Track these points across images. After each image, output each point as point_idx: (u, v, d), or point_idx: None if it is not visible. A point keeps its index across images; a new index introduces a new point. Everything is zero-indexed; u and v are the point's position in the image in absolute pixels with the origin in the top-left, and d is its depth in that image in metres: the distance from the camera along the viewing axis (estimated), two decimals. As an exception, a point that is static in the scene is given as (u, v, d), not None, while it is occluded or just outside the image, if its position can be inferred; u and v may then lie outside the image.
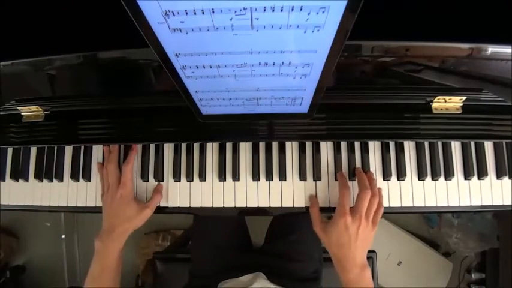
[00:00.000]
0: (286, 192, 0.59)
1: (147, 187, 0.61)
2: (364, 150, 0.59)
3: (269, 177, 0.59)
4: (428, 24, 0.42)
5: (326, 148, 0.59)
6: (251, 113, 0.49)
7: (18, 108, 0.61)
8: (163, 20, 0.27)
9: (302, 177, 0.58)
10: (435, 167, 0.57)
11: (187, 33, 0.28)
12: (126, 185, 0.57)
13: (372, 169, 0.58)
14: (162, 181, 0.61)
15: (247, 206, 0.59)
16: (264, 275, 0.62)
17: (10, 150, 0.66)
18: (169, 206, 0.60)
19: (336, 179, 0.58)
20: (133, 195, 0.58)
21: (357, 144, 0.59)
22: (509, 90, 0.50)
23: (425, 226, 1.37)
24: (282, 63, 0.34)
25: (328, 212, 0.57)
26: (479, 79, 0.48)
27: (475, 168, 0.58)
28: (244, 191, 0.59)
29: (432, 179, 0.58)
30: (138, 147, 0.61)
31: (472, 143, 0.58)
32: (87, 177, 0.62)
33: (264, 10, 0.25)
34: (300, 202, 0.58)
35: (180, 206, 0.60)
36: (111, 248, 0.54)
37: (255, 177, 0.59)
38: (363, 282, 0.51)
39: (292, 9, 0.25)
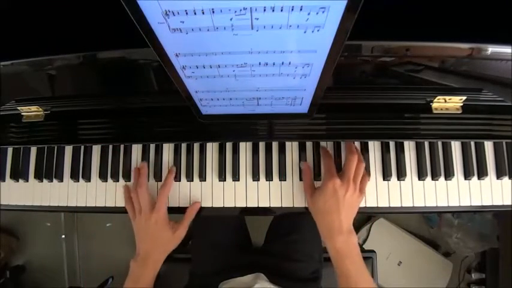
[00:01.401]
0: (286, 192, 0.59)
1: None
2: (364, 150, 0.59)
3: (269, 177, 0.59)
4: (428, 24, 0.42)
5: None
6: (251, 113, 0.49)
7: (18, 108, 0.61)
8: (163, 20, 0.27)
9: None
10: (435, 167, 0.57)
11: (187, 33, 0.28)
12: (161, 209, 0.56)
13: (372, 169, 0.58)
14: (161, 181, 0.61)
15: (247, 206, 0.59)
16: (265, 276, 0.62)
17: (10, 150, 0.66)
18: (169, 206, 0.60)
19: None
20: (167, 219, 0.57)
21: (357, 144, 0.59)
22: (509, 90, 0.50)
23: (425, 226, 1.37)
24: (282, 63, 0.34)
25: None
26: (479, 79, 0.48)
27: (475, 168, 0.58)
28: (244, 191, 0.59)
29: (432, 179, 0.58)
30: (174, 170, 0.60)
31: (472, 143, 0.58)
32: (87, 177, 0.62)
33: (264, 10, 0.25)
34: (300, 202, 0.58)
35: (180, 206, 0.60)
36: (147, 273, 0.55)
37: (255, 177, 0.59)
38: (350, 248, 0.50)
39: (292, 9, 0.25)
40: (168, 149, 0.62)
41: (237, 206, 0.59)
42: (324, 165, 0.55)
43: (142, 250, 0.55)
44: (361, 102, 0.56)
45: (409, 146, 0.59)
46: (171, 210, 0.60)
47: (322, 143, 0.59)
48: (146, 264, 0.54)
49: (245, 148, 0.61)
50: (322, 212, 0.52)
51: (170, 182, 0.58)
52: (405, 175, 0.58)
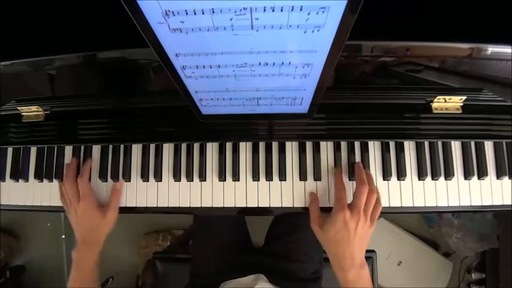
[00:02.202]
0: (286, 192, 0.59)
1: (147, 187, 0.61)
2: (364, 150, 0.59)
3: (269, 177, 0.59)
4: (428, 24, 0.42)
5: (326, 148, 0.59)
6: (251, 113, 0.49)
7: (18, 108, 0.61)
8: (163, 20, 0.27)
9: (302, 177, 0.58)
10: (435, 167, 0.57)
11: (187, 33, 0.28)
12: (85, 198, 0.57)
13: (372, 169, 0.58)
14: (161, 181, 0.61)
15: (247, 206, 0.59)
16: (265, 277, 0.62)
17: (10, 150, 0.66)
18: (169, 206, 0.60)
19: (336, 179, 0.58)
20: (95, 204, 0.58)
21: (357, 144, 0.59)
22: (509, 90, 0.50)
23: (425, 226, 1.37)
24: (282, 63, 0.34)
25: (328, 212, 0.57)
26: (479, 79, 0.48)
27: (475, 168, 0.58)
28: (244, 191, 0.59)
29: (432, 179, 0.58)
30: (93, 159, 0.62)
31: (472, 143, 0.58)
32: (87, 178, 0.62)
33: (264, 10, 0.25)
34: (300, 202, 0.58)
35: (180, 206, 0.60)
36: (89, 257, 0.57)
37: (255, 177, 0.59)
38: (362, 281, 0.50)
39: (292, 9, 0.25)
40: (168, 149, 0.62)
41: (237, 206, 0.59)
42: (336, 195, 0.54)
43: (79, 238, 0.58)
44: (361, 102, 0.56)
45: (409, 146, 0.59)
46: (171, 211, 0.61)
47: (322, 143, 0.59)
48: (84, 249, 0.57)
49: (245, 148, 0.61)
50: (334, 243, 0.51)
51: (87, 170, 0.60)
52: (405, 175, 0.58)
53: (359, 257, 0.51)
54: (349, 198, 0.58)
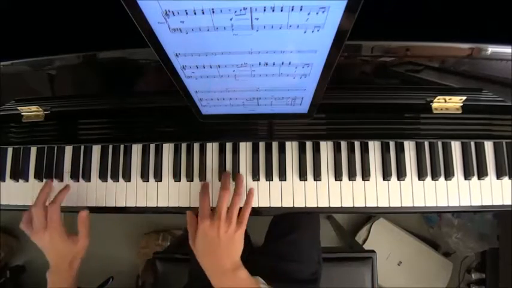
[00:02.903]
0: (286, 192, 0.59)
1: (147, 187, 0.61)
2: (364, 150, 0.59)
3: (269, 177, 0.59)
4: (428, 24, 0.42)
5: (326, 148, 0.59)
6: (251, 113, 0.49)
7: (18, 108, 0.61)
8: (163, 20, 0.27)
9: (302, 177, 0.58)
10: (435, 167, 0.57)
11: (187, 33, 0.28)
12: (53, 227, 0.55)
13: (371, 169, 0.58)
14: (161, 181, 0.61)
15: (247, 206, 0.59)
16: (263, 280, 0.62)
17: (10, 150, 0.66)
18: (169, 206, 0.60)
19: (336, 179, 0.58)
20: (64, 233, 0.56)
21: (357, 144, 0.59)
22: (509, 90, 0.50)
23: (425, 226, 1.37)
24: (282, 63, 0.34)
25: (328, 212, 0.57)
26: (479, 79, 0.48)
27: (475, 168, 0.58)
28: (244, 191, 0.59)
29: (432, 179, 0.58)
30: (69, 188, 0.61)
31: (472, 143, 0.58)
32: (87, 177, 0.62)
33: (264, 10, 0.25)
34: (300, 202, 0.58)
35: (180, 206, 0.60)
36: (63, 283, 0.56)
37: (255, 177, 0.59)
38: (239, 285, 0.49)
39: (292, 9, 0.25)
40: (168, 149, 0.62)
41: (237, 206, 0.59)
42: (199, 205, 0.54)
43: (51, 263, 0.57)
44: (361, 102, 0.56)
45: (409, 146, 0.59)
46: (171, 211, 0.61)
47: (322, 143, 0.59)
48: (58, 274, 0.56)
49: (245, 148, 0.61)
50: (201, 256, 0.51)
51: (61, 198, 0.58)
52: (405, 175, 0.58)
53: (228, 262, 0.50)
54: (348, 198, 0.58)
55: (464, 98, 0.54)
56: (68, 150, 0.64)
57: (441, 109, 0.56)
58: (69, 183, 0.62)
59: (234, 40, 0.29)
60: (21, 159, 0.65)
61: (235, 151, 0.60)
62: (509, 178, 0.57)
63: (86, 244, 0.59)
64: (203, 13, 0.26)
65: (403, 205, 0.57)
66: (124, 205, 0.61)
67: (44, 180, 0.63)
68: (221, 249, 0.49)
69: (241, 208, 0.55)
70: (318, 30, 0.28)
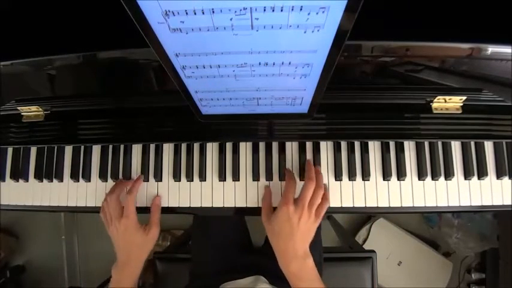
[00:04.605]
0: (286, 192, 0.59)
1: (147, 187, 0.61)
2: (364, 150, 0.59)
3: (269, 177, 0.59)
4: (428, 24, 0.42)
5: (326, 148, 0.59)
6: (251, 113, 0.49)
7: (18, 108, 0.61)
8: (163, 20, 0.27)
9: (302, 177, 0.58)
10: (435, 167, 0.57)
11: (187, 33, 0.28)
12: (129, 216, 0.56)
13: (371, 169, 0.58)
14: (161, 181, 0.61)
15: (247, 206, 0.59)
16: (265, 278, 0.62)
17: (10, 150, 0.66)
18: (169, 206, 0.60)
19: (336, 179, 0.58)
20: (138, 223, 0.57)
21: (357, 144, 0.59)
22: (509, 90, 0.50)
23: (425, 226, 1.37)
24: (282, 63, 0.34)
25: (328, 212, 0.57)
26: (479, 79, 0.48)
27: (475, 168, 0.58)
28: (244, 191, 0.59)
29: (432, 179, 0.58)
30: (142, 177, 0.61)
31: (472, 143, 0.58)
32: (87, 177, 0.62)
33: (264, 10, 0.25)
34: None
35: (180, 206, 0.60)
36: (129, 277, 0.57)
37: (255, 177, 0.59)
38: (305, 272, 0.51)
39: (292, 9, 0.25)
40: (168, 149, 0.62)
41: (237, 206, 0.59)
42: (284, 189, 0.55)
43: (120, 257, 0.57)
44: (361, 102, 0.56)
45: (409, 146, 0.59)
46: (171, 211, 0.61)
47: (322, 143, 0.59)
48: (125, 269, 0.57)
49: (245, 148, 0.61)
50: (277, 236, 0.52)
51: (136, 188, 0.59)
52: (405, 175, 0.58)
53: (301, 249, 0.51)
54: (348, 198, 0.58)
55: (464, 98, 0.54)
56: (68, 150, 0.64)
57: (441, 109, 0.55)
58: (141, 175, 0.61)
59: (234, 40, 0.29)
60: (21, 159, 0.65)
61: (235, 151, 0.60)
62: (509, 178, 0.57)
63: (157, 233, 0.58)
64: (203, 13, 0.26)
65: (403, 205, 0.57)
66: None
67: (44, 180, 0.63)
68: (298, 236, 0.50)
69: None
70: (318, 30, 0.28)
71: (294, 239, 0.50)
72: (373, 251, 0.80)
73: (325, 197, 0.54)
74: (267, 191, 0.58)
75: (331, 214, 1.23)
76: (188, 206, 0.60)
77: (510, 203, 0.57)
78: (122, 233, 0.56)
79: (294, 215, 0.51)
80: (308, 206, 0.51)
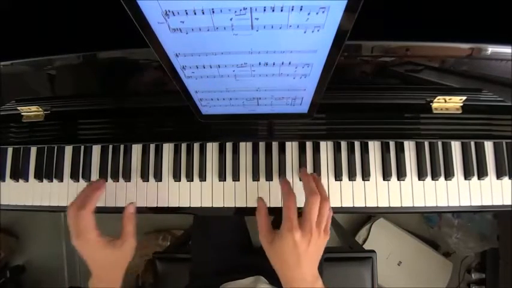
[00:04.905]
0: (286, 192, 0.59)
1: (147, 187, 0.61)
2: (364, 150, 0.59)
3: (269, 177, 0.59)
4: (428, 24, 0.42)
5: (326, 148, 0.59)
6: (251, 113, 0.49)
7: (18, 108, 0.61)
8: (163, 20, 0.27)
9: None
10: (435, 167, 0.57)
11: (187, 33, 0.28)
12: (87, 236, 0.48)
13: (371, 169, 0.58)
14: (161, 181, 0.61)
15: (247, 206, 0.59)
16: (265, 279, 0.62)
17: (10, 150, 0.66)
18: (169, 206, 0.60)
19: (336, 179, 0.58)
20: (102, 240, 0.49)
21: (357, 144, 0.59)
22: (509, 90, 0.50)
23: (425, 226, 1.37)
24: (282, 63, 0.34)
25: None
26: (479, 79, 0.48)
27: (475, 168, 0.58)
28: (244, 191, 0.59)
29: (432, 179, 0.58)
30: (103, 189, 0.54)
31: (472, 143, 0.58)
32: (87, 177, 0.62)
33: (264, 10, 0.25)
34: (301, 202, 0.58)
35: (180, 206, 0.60)
36: None
37: (255, 177, 0.59)
38: None
39: (292, 9, 0.25)
40: (168, 149, 0.62)
41: (237, 206, 0.59)
42: (283, 209, 0.46)
43: (92, 273, 0.50)
44: (361, 102, 0.56)
45: (409, 146, 0.59)
46: (171, 211, 0.61)
47: (322, 143, 0.59)
48: (102, 285, 0.50)
49: (245, 148, 0.61)
50: (281, 264, 0.46)
51: (94, 199, 0.50)
52: (405, 175, 0.58)
53: (310, 274, 0.45)
54: (348, 198, 0.58)
55: (464, 98, 0.54)
56: (68, 150, 0.64)
57: (441, 109, 0.56)
58: (102, 179, 0.58)
59: (234, 40, 0.29)
60: (21, 159, 0.65)
61: (235, 151, 0.60)
62: (509, 178, 0.57)
63: (133, 245, 0.52)
64: (203, 13, 0.26)
65: (403, 205, 0.57)
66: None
67: (44, 180, 0.63)
68: (306, 262, 0.44)
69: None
70: (318, 30, 0.28)
71: (301, 265, 0.44)
72: (373, 251, 0.80)
73: (329, 208, 0.48)
74: (261, 206, 0.51)
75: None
76: (188, 206, 0.60)
77: (510, 203, 0.57)
78: (87, 252, 0.49)
79: (302, 242, 0.44)
80: (316, 226, 0.45)
